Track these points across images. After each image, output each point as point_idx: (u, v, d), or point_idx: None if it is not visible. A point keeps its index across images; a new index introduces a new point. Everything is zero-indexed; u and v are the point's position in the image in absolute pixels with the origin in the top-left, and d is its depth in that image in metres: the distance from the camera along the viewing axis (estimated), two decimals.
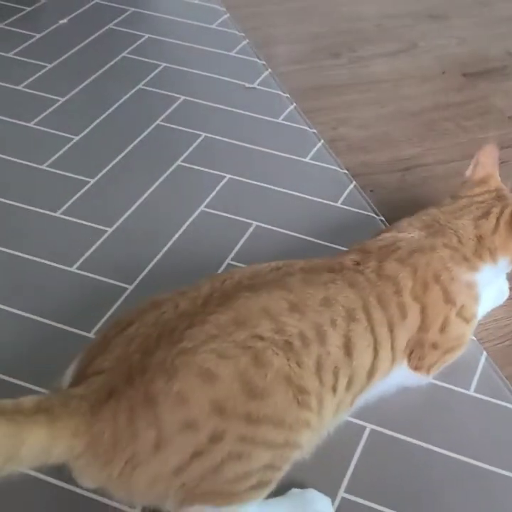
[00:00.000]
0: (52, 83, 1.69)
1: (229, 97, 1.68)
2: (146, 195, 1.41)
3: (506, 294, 1.23)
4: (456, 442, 1.03)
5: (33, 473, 0.92)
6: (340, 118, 1.69)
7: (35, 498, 0.94)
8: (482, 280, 1.07)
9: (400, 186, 1.50)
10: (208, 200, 1.40)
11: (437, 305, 1.02)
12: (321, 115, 1.68)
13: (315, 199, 1.42)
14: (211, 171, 1.47)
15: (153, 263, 1.27)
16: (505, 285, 1.23)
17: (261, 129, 1.60)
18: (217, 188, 1.43)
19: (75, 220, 1.35)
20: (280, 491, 0.91)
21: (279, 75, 1.79)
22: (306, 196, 1.42)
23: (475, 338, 1.17)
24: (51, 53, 1.79)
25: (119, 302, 1.19)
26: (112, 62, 1.78)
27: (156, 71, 1.76)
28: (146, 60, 1.79)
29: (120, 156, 1.50)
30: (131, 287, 1.22)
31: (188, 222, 1.35)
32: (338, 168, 1.51)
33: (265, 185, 1.45)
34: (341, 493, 0.96)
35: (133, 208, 1.38)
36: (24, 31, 1.87)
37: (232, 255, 1.29)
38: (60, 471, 0.83)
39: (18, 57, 1.78)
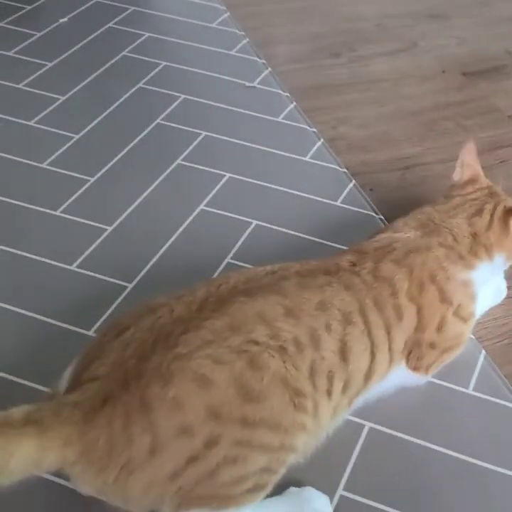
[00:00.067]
0: (53, 82, 1.69)
1: (229, 96, 1.68)
2: (146, 193, 1.41)
3: (504, 293, 1.24)
4: (455, 441, 1.03)
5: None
6: (340, 117, 1.69)
7: (35, 498, 0.94)
8: (478, 278, 1.07)
9: (400, 185, 1.50)
10: (207, 198, 1.41)
11: (433, 305, 1.02)
12: (321, 114, 1.68)
13: (315, 198, 1.42)
14: (211, 170, 1.47)
15: (152, 262, 1.27)
16: (503, 284, 1.23)
17: (261, 127, 1.60)
18: (217, 187, 1.43)
19: (75, 218, 1.35)
20: (278, 489, 0.91)
21: (279, 74, 1.79)
22: (306, 195, 1.43)
23: (474, 337, 1.17)
24: (51, 52, 1.79)
25: (118, 300, 1.19)
26: (112, 61, 1.78)
27: (157, 70, 1.76)
28: (147, 58, 1.80)
29: (120, 155, 1.50)
30: (130, 286, 1.22)
31: (187, 221, 1.35)
32: (338, 167, 1.51)
33: (265, 184, 1.45)
34: (340, 491, 0.96)
35: (133, 206, 1.38)
36: (24, 30, 1.87)
37: (231, 254, 1.29)
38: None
39: (19, 56, 1.78)
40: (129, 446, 0.79)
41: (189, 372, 0.81)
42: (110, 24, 1.92)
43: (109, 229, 1.33)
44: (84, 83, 1.70)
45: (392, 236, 1.06)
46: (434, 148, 1.60)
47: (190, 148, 1.53)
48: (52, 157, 1.48)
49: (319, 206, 1.41)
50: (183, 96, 1.67)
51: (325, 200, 1.42)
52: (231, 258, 1.28)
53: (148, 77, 1.73)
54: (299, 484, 0.94)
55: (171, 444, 0.80)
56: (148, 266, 1.26)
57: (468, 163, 1.18)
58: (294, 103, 1.68)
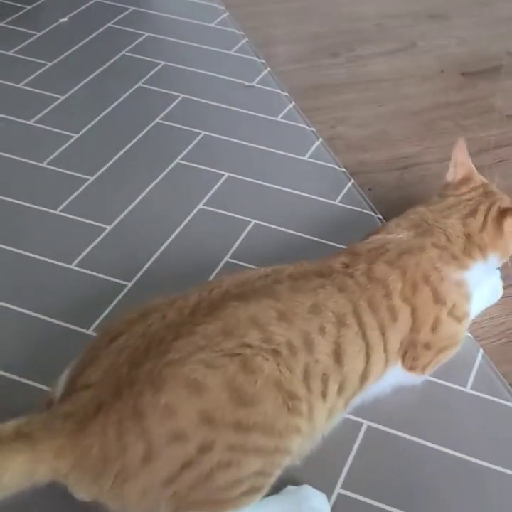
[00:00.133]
0: (53, 81, 1.70)
1: (228, 96, 1.68)
2: (145, 192, 1.41)
3: (500, 293, 1.23)
4: (453, 439, 1.03)
5: None
6: (338, 117, 1.69)
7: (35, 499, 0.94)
8: (472, 278, 1.07)
9: (398, 185, 1.51)
10: (206, 198, 1.41)
11: (427, 306, 1.01)
12: (319, 114, 1.68)
13: (313, 197, 1.42)
14: (210, 169, 1.47)
15: (151, 260, 1.27)
16: (499, 284, 1.23)
17: (260, 127, 1.60)
18: (216, 186, 1.44)
19: (74, 217, 1.35)
20: (275, 488, 0.91)
21: (278, 74, 1.79)
22: (305, 194, 1.43)
23: (471, 336, 1.18)
24: (51, 51, 1.79)
25: (118, 299, 1.20)
26: (111, 61, 1.78)
27: (156, 69, 1.76)
28: (146, 58, 1.80)
29: (119, 154, 1.50)
30: (130, 284, 1.22)
31: (186, 220, 1.36)
32: (337, 167, 1.51)
33: (264, 183, 1.45)
34: (338, 489, 0.96)
35: (132, 205, 1.38)
36: (24, 30, 1.87)
37: (230, 253, 1.29)
38: None
39: (19, 56, 1.78)
40: (122, 454, 0.79)
41: (181, 378, 0.81)
42: (110, 24, 1.93)
43: (109, 228, 1.33)
44: (83, 83, 1.70)
45: (385, 237, 1.06)
46: (433, 148, 1.60)
47: (189, 147, 1.53)
48: (52, 156, 1.48)
49: (318, 205, 1.41)
50: (182, 95, 1.67)
51: (323, 200, 1.42)
52: (230, 257, 1.28)
53: (148, 76, 1.73)
54: (296, 483, 0.94)
55: (165, 450, 0.80)
56: (148, 265, 1.26)
57: (461, 162, 1.18)
58: (293, 103, 1.69)
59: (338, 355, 0.92)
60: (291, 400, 0.86)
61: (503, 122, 1.69)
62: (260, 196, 1.42)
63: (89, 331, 1.14)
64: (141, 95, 1.68)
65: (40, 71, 1.73)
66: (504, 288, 1.24)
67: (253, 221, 1.36)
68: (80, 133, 1.55)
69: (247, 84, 1.73)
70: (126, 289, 1.21)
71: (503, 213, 1.10)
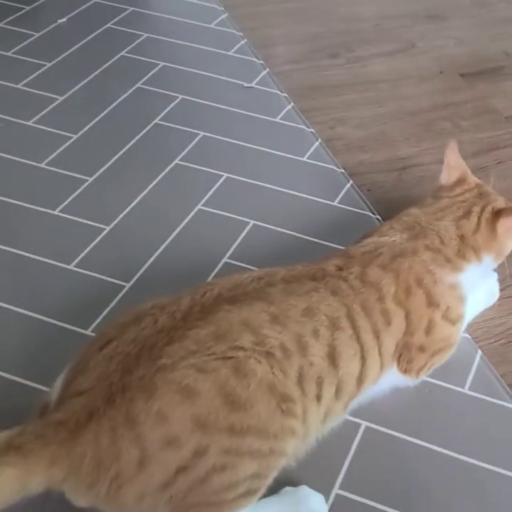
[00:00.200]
0: (51, 82, 1.70)
1: (227, 96, 1.68)
2: (144, 193, 1.41)
3: (497, 295, 1.23)
4: (451, 440, 1.03)
5: None
6: (337, 117, 1.69)
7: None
8: (467, 280, 1.06)
9: (397, 185, 1.51)
10: (205, 198, 1.41)
11: (420, 309, 1.01)
12: (318, 115, 1.68)
13: (312, 198, 1.43)
14: (209, 170, 1.48)
15: (150, 261, 1.27)
16: (496, 286, 1.23)
17: (258, 128, 1.61)
18: (215, 187, 1.44)
19: (73, 218, 1.35)
20: (274, 489, 0.91)
21: (277, 75, 1.79)
22: (303, 195, 1.43)
23: (470, 337, 1.18)
24: (50, 52, 1.80)
25: (116, 300, 1.20)
26: (110, 61, 1.78)
27: (155, 70, 1.76)
28: (145, 59, 1.80)
29: (118, 155, 1.50)
30: (128, 285, 1.22)
31: (185, 221, 1.36)
32: (335, 168, 1.51)
33: (262, 184, 1.45)
34: (335, 490, 0.96)
35: (131, 206, 1.38)
36: (23, 30, 1.87)
37: (229, 253, 1.29)
38: None
39: (17, 56, 1.78)
40: (117, 461, 0.79)
41: (173, 383, 0.81)
42: (109, 24, 1.93)
43: (107, 228, 1.33)
44: (82, 83, 1.71)
45: (378, 240, 1.06)
46: (432, 149, 1.60)
47: (188, 148, 1.53)
48: (51, 157, 1.49)
49: (317, 206, 1.41)
50: (181, 96, 1.68)
51: (322, 201, 1.42)
52: (228, 258, 1.28)
53: (147, 77, 1.74)
54: (294, 483, 0.95)
55: (159, 455, 0.80)
56: (146, 265, 1.26)
57: (454, 164, 1.17)
58: (292, 103, 1.69)
59: (333, 359, 0.92)
60: (285, 403, 0.85)
61: (502, 123, 1.69)
62: (259, 197, 1.42)
63: (88, 332, 1.14)
64: (140, 96, 1.68)
65: (39, 72, 1.73)
66: (501, 289, 1.24)
67: (252, 222, 1.36)
68: (79, 133, 1.55)
69: (246, 84, 1.73)
70: (125, 290, 1.21)
71: (497, 214, 1.09)
